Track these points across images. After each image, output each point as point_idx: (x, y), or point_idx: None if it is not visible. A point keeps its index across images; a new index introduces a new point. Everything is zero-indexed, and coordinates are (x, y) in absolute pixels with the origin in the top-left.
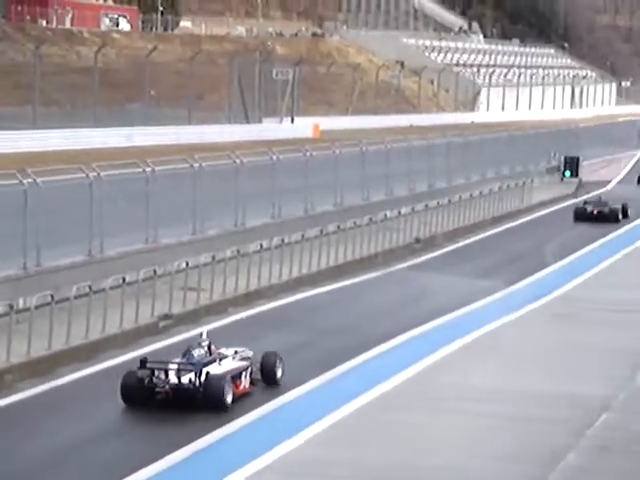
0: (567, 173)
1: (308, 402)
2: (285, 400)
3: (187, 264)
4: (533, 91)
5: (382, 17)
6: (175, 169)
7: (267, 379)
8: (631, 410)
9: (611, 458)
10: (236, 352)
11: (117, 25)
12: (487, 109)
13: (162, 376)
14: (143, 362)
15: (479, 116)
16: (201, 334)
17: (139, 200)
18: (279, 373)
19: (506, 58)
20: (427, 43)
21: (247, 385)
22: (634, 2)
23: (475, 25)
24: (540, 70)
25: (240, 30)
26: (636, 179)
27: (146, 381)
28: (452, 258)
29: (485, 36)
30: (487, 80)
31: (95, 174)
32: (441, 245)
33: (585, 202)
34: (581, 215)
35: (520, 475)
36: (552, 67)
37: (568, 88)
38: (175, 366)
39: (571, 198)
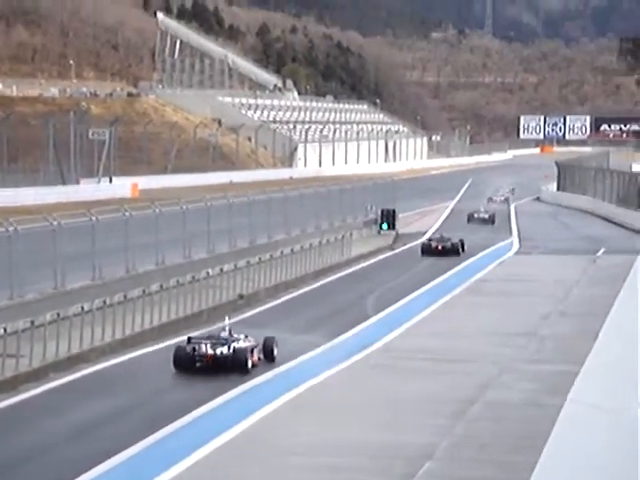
0: (384, 226)
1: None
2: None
3: (5, 330)
4: (348, 146)
5: (197, 76)
6: None
7: (267, 356)
8: (453, 458)
9: None
10: (246, 336)
11: None
12: (305, 165)
13: (202, 349)
14: (189, 339)
15: (297, 172)
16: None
17: None
18: (275, 352)
19: (321, 114)
20: (243, 101)
21: (256, 359)
22: (440, 60)
23: (289, 82)
24: (354, 125)
25: (53, 91)
26: (466, 218)
27: (191, 353)
28: (275, 313)
29: (299, 93)
30: (303, 136)
31: None
32: (264, 301)
33: (429, 239)
34: (427, 250)
35: None
36: (366, 122)
37: (382, 142)
38: (211, 342)
39: (388, 250)
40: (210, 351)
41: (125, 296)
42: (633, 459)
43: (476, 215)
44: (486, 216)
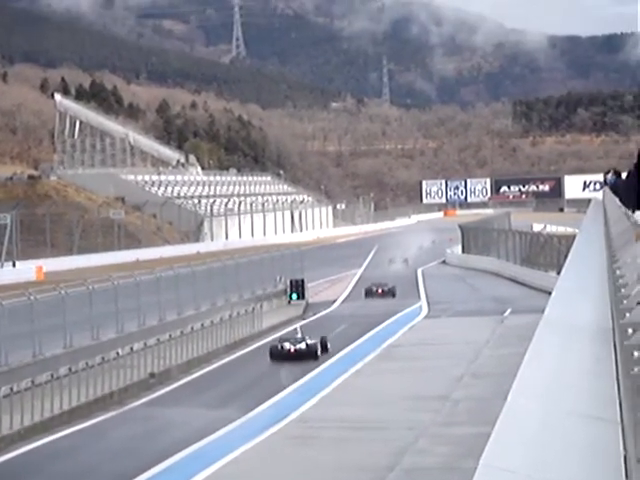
0: (294, 296)
1: None
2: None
3: None
4: (254, 218)
5: (98, 156)
6: None
7: (323, 349)
8: None
9: None
10: (310, 337)
11: None
12: (212, 239)
13: (287, 345)
14: (280, 339)
15: (204, 246)
16: (296, 329)
17: None
18: (329, 346)
19: (225, 188)
20: (146, 178)
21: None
22: (341, 129)
23: (192, 157)
24: (259, 197)
25: None
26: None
27: (280, 347)
28: (188, 390)
29: (203, 168)
30: (209, 210)
31: None
32: (176, 377)
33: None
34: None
35: None
36: (270, 194)
37: (287, 213)
38: (293, 340)
39: (299, 320)
40: (292, 347)
41: (33, 382)
42: None
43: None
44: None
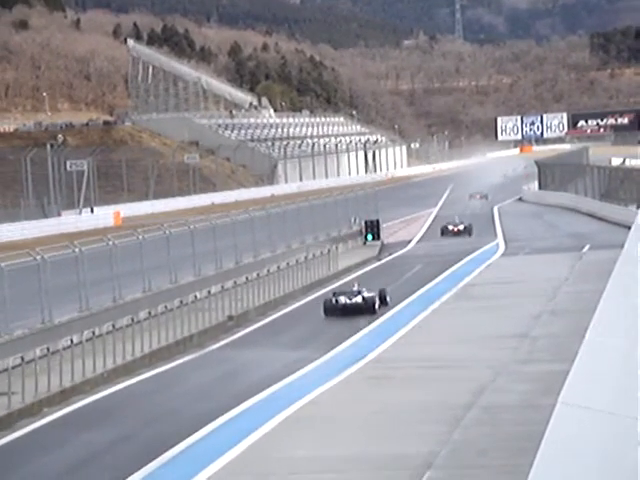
0: (369, 237)
1: None
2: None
3: None
4: (328, 159)
5: (172, 100)
6: None
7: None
8: (453, 465)
9: None
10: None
11: None
12: (286, 181)
13: (342, 299)
14: (334, 293)
15: (279, 189)
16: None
17: None
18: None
19: (298, 129)
20: (219, 122)
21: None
22: (413, 67)
23: (264, 100)
24: (332, 138)
25: (28, 125)
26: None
27: (335, 301)
28: (266, 331)
29: (275, 110)
30: (282, 153)
31: None
32: (254, 320)
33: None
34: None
35: None
36: (343, 135)
37: (361, 153)
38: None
39: (375, 261)
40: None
41: (114, 325)
42: (626, 459)
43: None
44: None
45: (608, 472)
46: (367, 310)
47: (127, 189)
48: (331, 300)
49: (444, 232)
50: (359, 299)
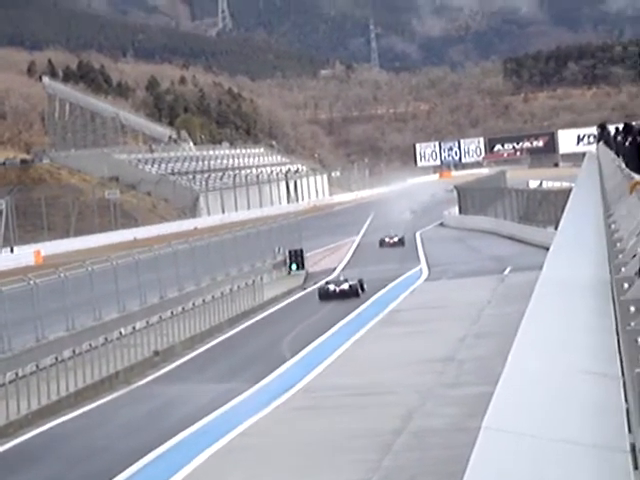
0: (294, 266)
1: None
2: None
3: None
4: (250, 190)
5: (90, 136)
6: None
7: (361, 289)
8: None
9: None
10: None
11: None
12: (208, 214)
13: (332, 287)
14: (326, 282)
15: (201, 222)
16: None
17: None
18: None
19: (219, 162)
20: (139, 156)
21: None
22: (331, 96)
23: (184, 133)
24: (254, 169)
25: None
26: (377, 242)
27: (327, 289)
28: (194, 365)
29: (195, 143)
30: (204, 185)
31: None
32: (181, 354)
33: (327, 282)
34: (324, 294)
35: None
36: (264, 165)
37: (283, 184)
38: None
39: (300, 290)
40: (337, 288)
41: (37, 366)
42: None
43: (387, 239)
44: (396, 239)
45: None
46: (352, 294)
47: (47, 227)
48: (324, 288)
49: (382, 244)
50: (346, 286)
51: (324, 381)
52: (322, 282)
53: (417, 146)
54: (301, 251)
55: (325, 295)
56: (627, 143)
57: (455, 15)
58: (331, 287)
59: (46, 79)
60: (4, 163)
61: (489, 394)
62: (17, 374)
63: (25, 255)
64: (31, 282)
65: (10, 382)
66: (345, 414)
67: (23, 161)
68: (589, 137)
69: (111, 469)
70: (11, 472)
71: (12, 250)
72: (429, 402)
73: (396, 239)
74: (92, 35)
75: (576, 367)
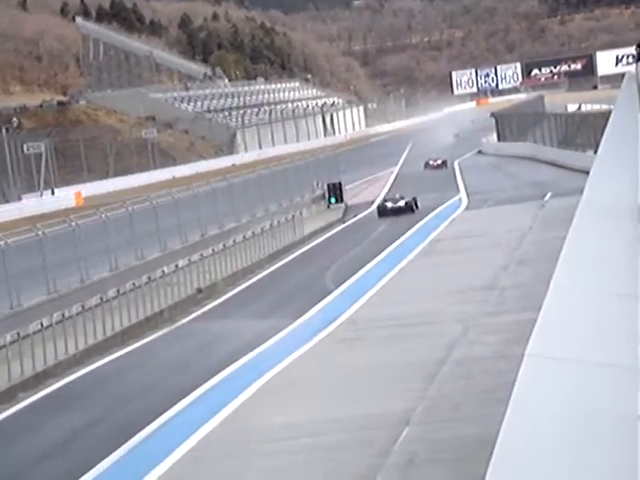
0: (332, 200)
1: None
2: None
3: None
4: (286, 126)
5: (125, 76)
6: None
7: (416, 206)
8: (430, 420)
9: (419, 471)
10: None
11: None
12: (245, 150)
13: (389, 204)
14: (384, 200)
15: (239, 158)
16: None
17: None
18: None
19: (254, 97)
20: (175, 95)
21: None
22: (365, 28)
23: (218, 70)
24: (289, 104)
25: None
26: (422, 165)
27: (384, 205)
28: (236, 302)
29: (230, 79)
30: (240, 122)
31: None
32: (223, 291)
33: (384, 200)
34: (383, 211)
35: None
36: (300, 100)
37: (319, 117)
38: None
39: (340, 223)
40: (394, 205)
41: (83, 306)
42: (591, 406)
43: (431, 162)
44: (439, 162)
45: (574, 419)
46: (408, 210)
47: (87, 168)
48: (382, 205)
49: (426, 166)
50: (402, 203)
51: (367, 312)
52: (380, 200)
53: (453, 74)
54: (339, 184)
55: (383, 212)
56: None
57: None
58: (389, 204)
59: (79, 19)
60: (41, 105)
61: (532, 321)
62: (63, 315)
63: (66, 197)
64: (73, 224)
65: (57, 323)
66: (389, 345)
67: (60, 103)
68: (628, 57)
69: (158, 406)
70: (60, 411)
71: (53, 192)
72: (472, 330)
73: (439, 162)
74: None
75: (617, 292)
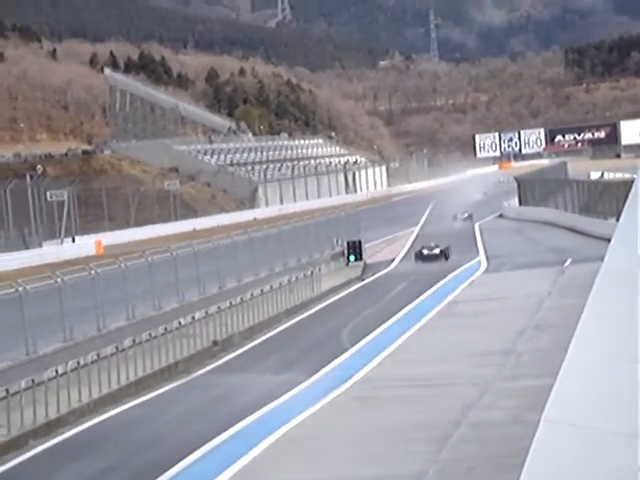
0: (352, 257)
1: None
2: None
3: None
4: (308, 181)
5: (150, 127)
6: None
7: (449, 255)
8: None
9: None
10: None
11: None
12: (267, 205)
13: (425, 251)
14: (422, 247)
15: (260, 212)
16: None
17: None
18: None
19: (277, 153)
20: (198, 147)
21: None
22: (391, 88)
23: (243, 124)
24: (312, 161)
25: (7, 156)
26: (413, 256)
27: (421, 252)
28: (252, 356)
29: (254, 134)
30: (262, 176)
31: None
32: (239, 344)
33: (422, 247)
34: (419, 256)
35: None
36: (323, 156)
37: (341, 175)
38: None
39: (358, 281)
40: (429, 252)
41: (98, 355)
42: (606, 475)
43: (425, 252)
44: (437, 251)
45: None
46: (442, 257)
47: (108, 217)
48: (419, 251)
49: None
50: (437, 251)
51: (383, 372)
52: (418, 247)
53: (476, 137)
54: (359, 242)
55: (420, 257)
56: None
57: (516, 5)
58: (425, 251)
59: (108, 70)
60: (66, 154)
61: (549, 387)
62: (79, 362)
63: (86, 245)
64: (92, 272)
65: (72, 370)
66: (403, 405)
67: (85, 152)
68: None
69: (170, 458)
70: (72, 460)
71: (74, 240)
72: (488, 394)
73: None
74: (153, 27)
75: (636, 359)
